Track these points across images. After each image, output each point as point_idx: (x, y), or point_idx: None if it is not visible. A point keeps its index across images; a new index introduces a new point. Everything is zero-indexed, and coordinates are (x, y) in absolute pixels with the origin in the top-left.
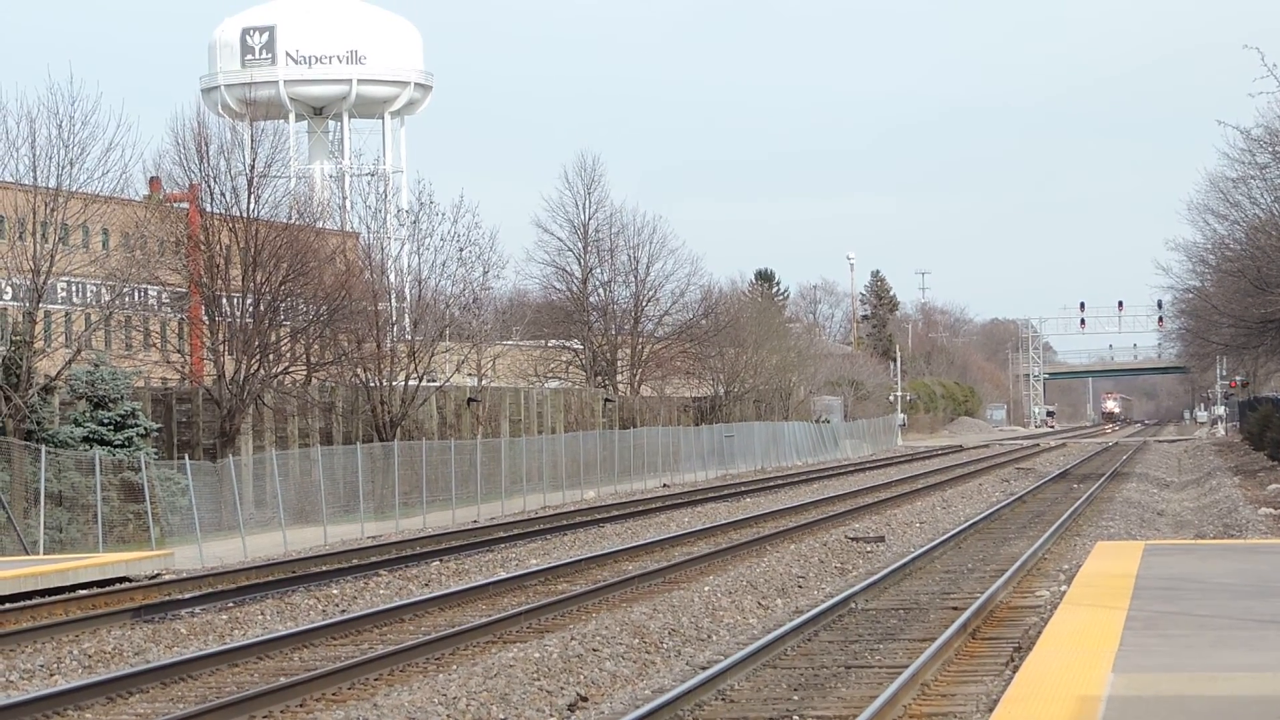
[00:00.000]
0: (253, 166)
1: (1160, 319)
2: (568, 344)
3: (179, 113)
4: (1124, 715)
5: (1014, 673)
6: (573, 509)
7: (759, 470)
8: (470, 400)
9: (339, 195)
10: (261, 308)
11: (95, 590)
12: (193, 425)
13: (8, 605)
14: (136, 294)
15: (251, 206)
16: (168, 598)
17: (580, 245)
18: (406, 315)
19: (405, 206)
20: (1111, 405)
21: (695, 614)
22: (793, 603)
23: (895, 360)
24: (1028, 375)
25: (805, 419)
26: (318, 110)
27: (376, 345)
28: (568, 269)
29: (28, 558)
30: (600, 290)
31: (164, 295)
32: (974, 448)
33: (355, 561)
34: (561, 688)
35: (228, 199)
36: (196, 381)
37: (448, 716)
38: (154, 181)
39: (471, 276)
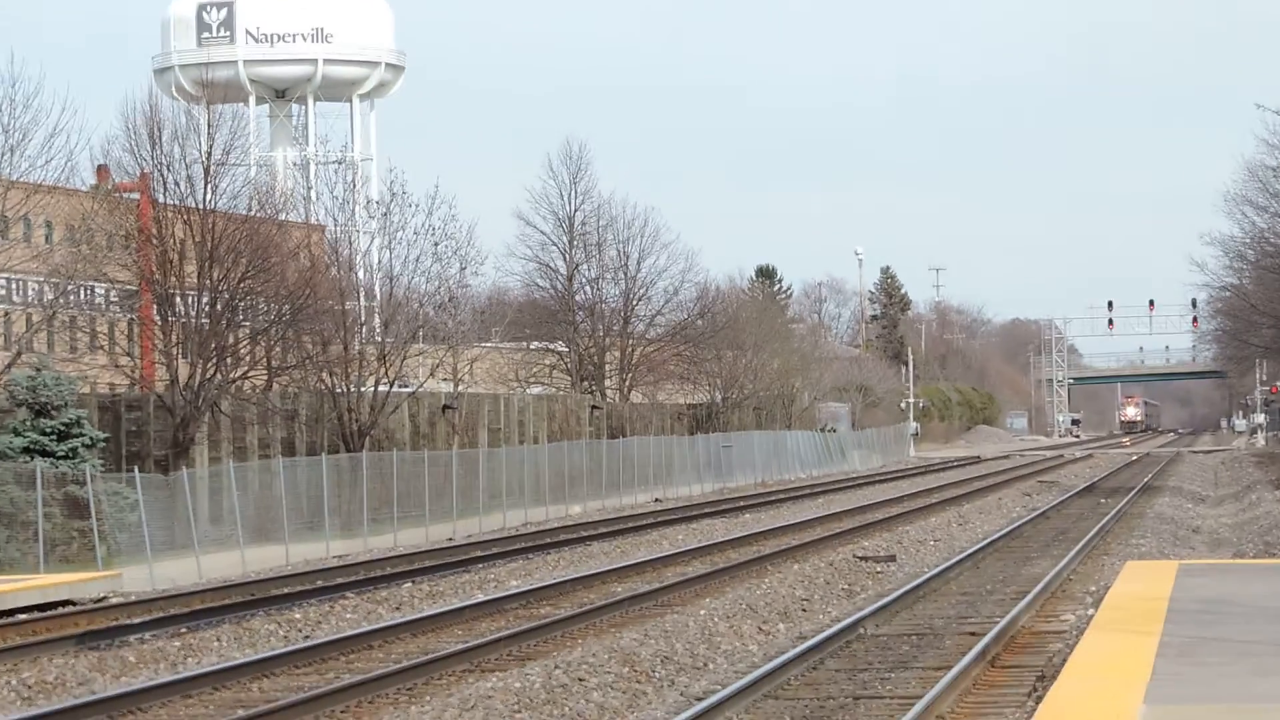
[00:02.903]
0: (209, 154)
1: (1194, 319)
2: (552, 346)
3: (129, 96)
4: None
5: (1037, 704)
6: (557, 526)
7: (759, 483)
8: (446, 407)
9: (303, 185)
10: (219, 307)
11: (35, 615)
12: (143, 435)
13: None
14: (82, 292)
15: (208, 197)
16: (115, 623)
17: (565, 239)
18: (376, 315)
19: (375, 197)
20: (1132, 411)
21: (690, 640)
22: (796, 628)
23: (907, 364)
24: (1051, 380)
25: (810, 428)
26: (280, 93)
27: (344, 348)
28: (552, 265)
29: None
30: (587, 288)
31: (112, 293)
32: (993, 459)
33: (320, 583)
34: None
35: (182, 189)
36: (147, 387)
37: None
38: (102, 170)
39: (447, 273)
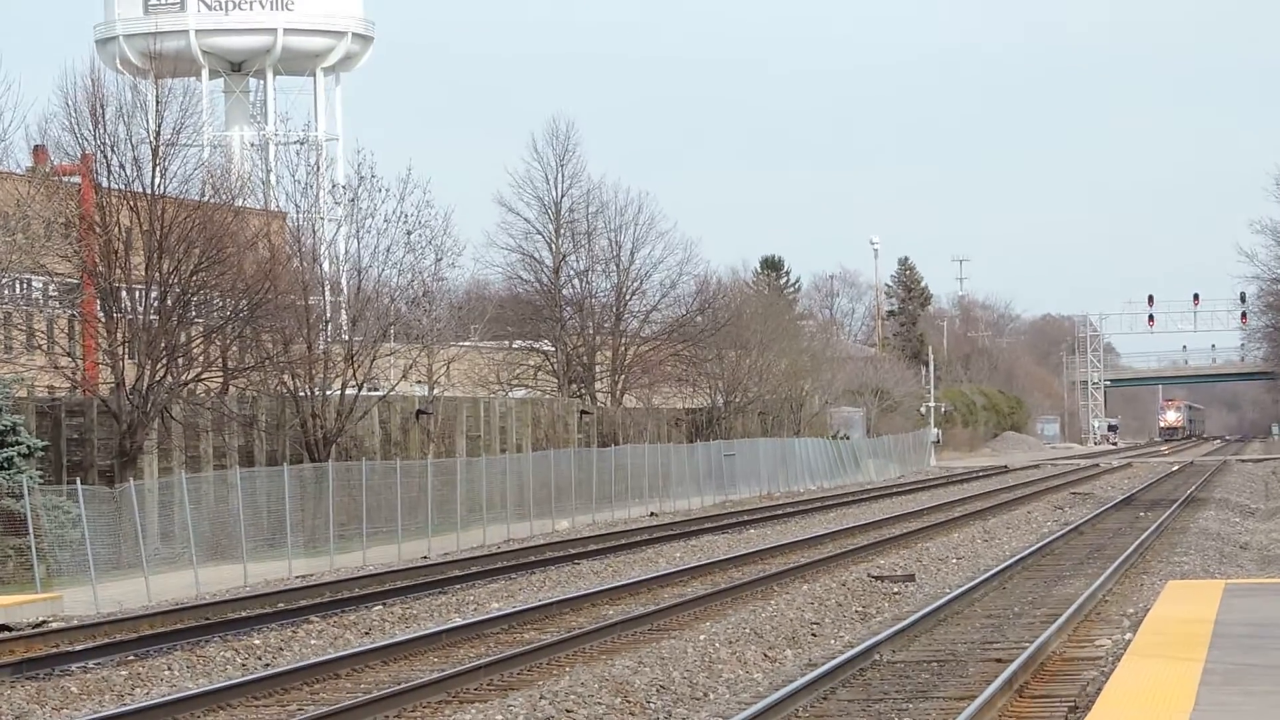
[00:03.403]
0: (158, 133)
1: (1243, 315)
2: (536, 345)
3: (69, 69)
4: None
5: None
6: (542, 542)
7: (765, 495)
8: (420, 413)
9: (262, 167)
10: (169, 302)
11: None
12: (86, 443)
13: None
14: (18, 285)
15: (156, 181)
16: (55, 650)
17: (551, 228)
18: (343, 311)
19: (341, 181)
20: (1173, 416)
21: (689, 667)
22: (805, 654)
23: (927, 364)
24: (1085, 382)
25: (820, 435)
26: (236, 66)
27: (307, 347)
28: (536, 256)
29: None
30: (575, 281)
31: (51, 287)
32: (1021, 468)
33: (281, 606)
34: None
35: (128, 172)
36: (90, 391)
37: None
38: (39, 151)
39: (421, 265)
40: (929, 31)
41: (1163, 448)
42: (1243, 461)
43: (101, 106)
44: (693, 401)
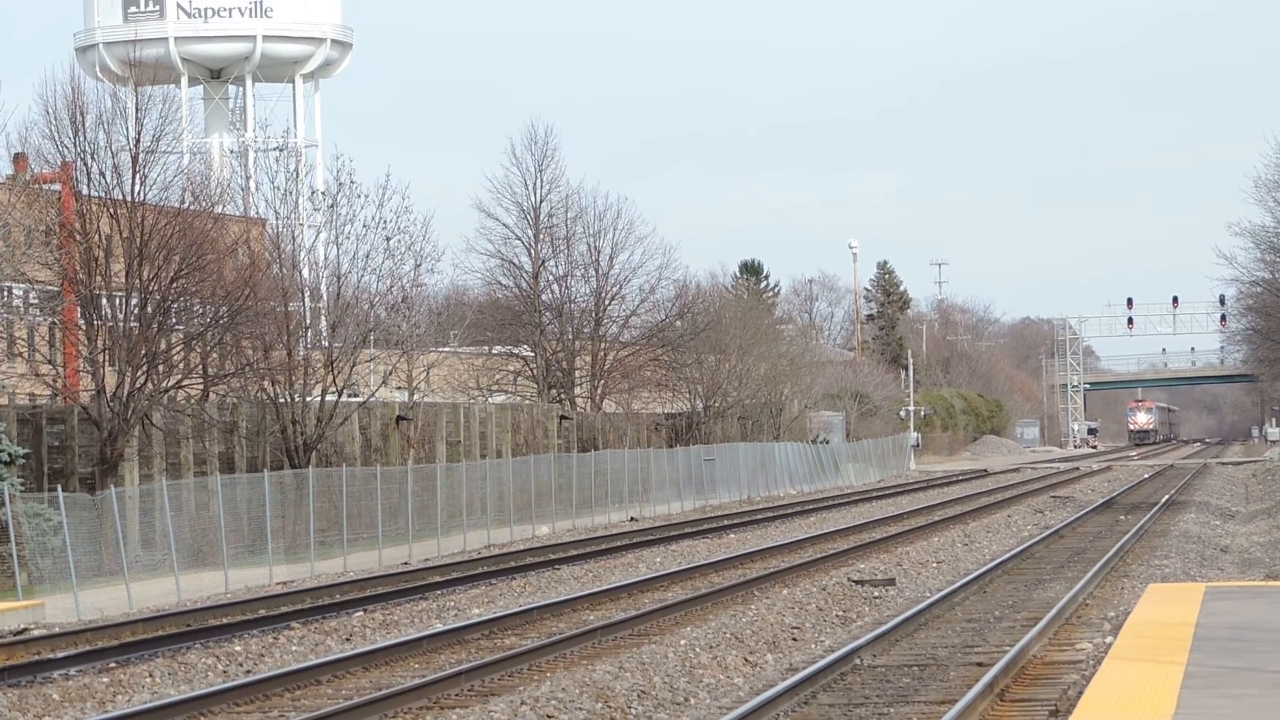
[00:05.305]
0: (138, 140)
1: (1223, 317)
2: (516, 351)
3: (49, 76)
4: None
5: None
6: (522, 548)
7: (745, 500)
8: (400, 418)
9: (241, 174)
10: (149, 309)
11: None
12: (67, 450)
13: None
14: None
15: (136, 188)
16: (37, 657)
17: (530, 233)
18: (323, 317)
19: (321, 187)
20: (1143, 418)
21: (669, 673)
22: (786, 658)
23: (907, 368)
24: (1065, 386)
25: (800, 439)
26: (215, 73)
27: (287, 353)
28: (515, 261)
29: None
30: (555, 286)
31: (32, 295)
32: (1001, 472)
33: (262, 612)
34: None
35: (108, 179)
36: (71, 398)
37: None
38: (19, 158)
39: (401, 270)
40: (907, 34)
41: (1131, 453)
42: (1223, 464)
43: (81, 114)
44: (672, 406)
